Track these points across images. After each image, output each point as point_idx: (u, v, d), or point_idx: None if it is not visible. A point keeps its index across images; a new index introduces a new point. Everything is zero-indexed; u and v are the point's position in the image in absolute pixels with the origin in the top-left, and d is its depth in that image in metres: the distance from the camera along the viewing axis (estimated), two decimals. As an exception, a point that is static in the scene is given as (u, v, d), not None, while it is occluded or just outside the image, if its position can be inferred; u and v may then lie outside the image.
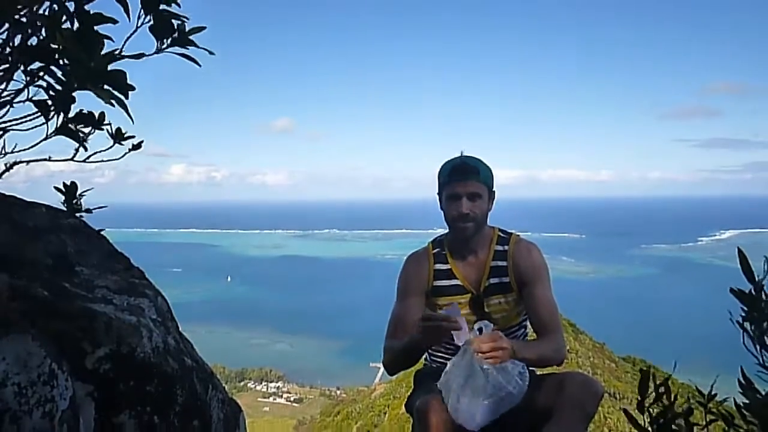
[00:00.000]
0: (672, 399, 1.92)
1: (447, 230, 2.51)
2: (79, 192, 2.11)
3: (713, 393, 1.94)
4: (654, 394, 1.94)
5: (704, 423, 1.91)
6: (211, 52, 1.49)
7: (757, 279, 1.49)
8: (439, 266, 2.48)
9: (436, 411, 2.04)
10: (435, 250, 2.51)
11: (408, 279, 2.49)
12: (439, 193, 2.46)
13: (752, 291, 1.50)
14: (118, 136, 1.78)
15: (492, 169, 2.43)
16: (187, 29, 1.43)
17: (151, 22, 1.39)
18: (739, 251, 1.55)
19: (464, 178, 2.35)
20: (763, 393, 1.56)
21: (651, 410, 1.94)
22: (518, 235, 2.52)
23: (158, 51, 1.44)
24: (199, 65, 1.48)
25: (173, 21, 1.41)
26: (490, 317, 2.37)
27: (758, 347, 1.52)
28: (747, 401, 1.56)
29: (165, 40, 1.43)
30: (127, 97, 1.36)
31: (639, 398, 1.94)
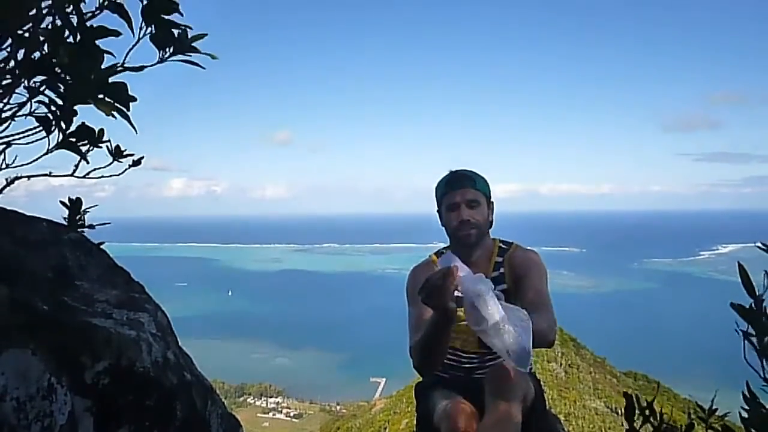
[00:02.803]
0: (660, 420, 1.91)
1: (448, 243, 2.50)
2: (83, 208, 2.11)
3: (714, 408, 1.93)
4: (641, 417, 1.94)
5: (706, 438, 1.90)
6: (213, 57, 1.49)
7: (757, 293, 1.49)
8: None
9: (466, 415, 2.02)
10: (439, 260, 2.46)
11: (418, 284, 2.40)
12: (438, 209, 2.46)
13: (753, 305, 1.49)
14: (117, 154, 1.78)
15: (487, 180, 2.43)
16: (189, 36, 1.44)
17: (153, 32, 1.39)
18: (740, 265, 1.54)
19: (460, 186, 2.36)
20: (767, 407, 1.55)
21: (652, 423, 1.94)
22: (519, 245, 2.50)
23: (161, 60, 1.44)
24: (203, 68, 1.48)
25: (174, 30, 1.41)
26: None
27: (762, 361, 1.51)
28: (747, 416, 1.55)
29: (167, 49, 1.44)
30: (128, 109, 1.37)
31: (627, 427, 1.93)
